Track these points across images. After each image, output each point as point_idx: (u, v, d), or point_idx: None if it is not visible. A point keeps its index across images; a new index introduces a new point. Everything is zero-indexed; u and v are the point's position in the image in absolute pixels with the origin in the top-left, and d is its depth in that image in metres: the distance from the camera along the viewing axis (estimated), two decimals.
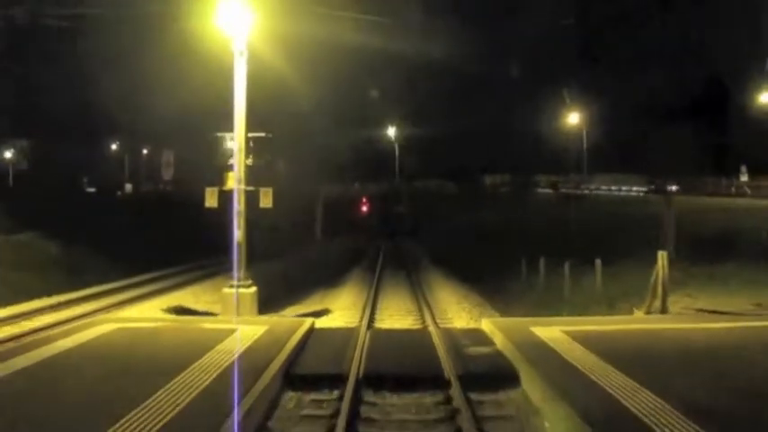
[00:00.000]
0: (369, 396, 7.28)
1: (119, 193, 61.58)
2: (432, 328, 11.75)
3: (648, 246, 14.23)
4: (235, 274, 12.87)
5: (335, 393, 7.27)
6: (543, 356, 7.96)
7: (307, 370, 8.02)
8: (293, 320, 11.22)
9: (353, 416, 6.53)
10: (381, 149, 67.96)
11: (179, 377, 7.09)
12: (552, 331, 9.32)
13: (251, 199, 13.26)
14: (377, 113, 59.26)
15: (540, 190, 52.18)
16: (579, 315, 12.84)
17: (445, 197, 60.62)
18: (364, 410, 6.85)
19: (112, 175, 65.07)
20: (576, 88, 48.63)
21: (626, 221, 24.84)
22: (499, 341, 9.23)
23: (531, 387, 7.31)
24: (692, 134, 36.82)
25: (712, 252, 17.34)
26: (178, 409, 6.04)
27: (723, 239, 19.11)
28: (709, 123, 41.12)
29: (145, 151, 71.04)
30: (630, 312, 12.29)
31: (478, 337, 9.88)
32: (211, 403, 6.20)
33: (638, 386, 6.55)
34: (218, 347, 8.53)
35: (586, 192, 45.13)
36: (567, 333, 9.20)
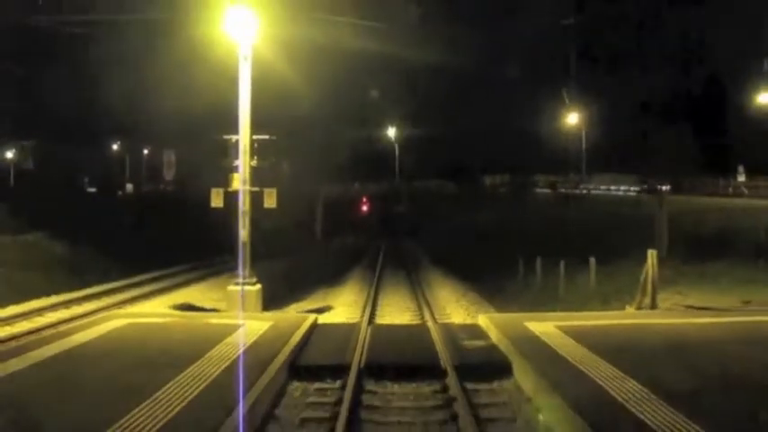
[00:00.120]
0: (370, 385, 7.70)
1: (119, 193, 61.90)
2: (430, 324, 12.18)
3: (643, 245, 14.59)
4: (240, 272, 13.30)
5: (339, 383, 7.68)
6: (536, 349, 8.37)
7: (311, 362, 8.44)
8: (297, 316, 11.65)
9: (356, 403, 6.95)
10: (381, 149, 68.39)
11: (190, 369, 7.48)
12: (545, 326, 9.73)
13: (254, 199, 13.69)
14: (377, 114, 59.67)
15: (538, 190, 52.52)
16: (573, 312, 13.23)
17: (445, 197, 60.96)
18: (366, 398, 7.27)
19: (113, 176, 65.45)
20: (576, 88, 49.05)
21: (622, 221, 25.20)
22: (494, 335, 9.65)
23: (524, 377, 7.73)
24: (690, 134, 37.20)
25: (706, 251, 17.76)
26: (191, 397, 6.43)
27: (718, 239, 19.50)
28: (707, 124, 41.49)
29: (145, 151, 71.36)
30: (623, 309, 12.73)
31: (475, 331, 10.30)
32: (221, 392, 6.57)
33: (623, 375, 6.96)
34: (226, 341, 8.94)
35: (584, 192, 45.46)
36: (560, 328, 9.61)
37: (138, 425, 5.54)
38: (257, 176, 13.89)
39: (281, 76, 19.83)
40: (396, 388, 7.71)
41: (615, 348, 8.21)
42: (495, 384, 7.79)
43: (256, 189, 13.64)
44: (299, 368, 8.18)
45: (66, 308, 15.39)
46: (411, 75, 49.60)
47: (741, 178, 40.86)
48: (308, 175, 34.27)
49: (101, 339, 9.30)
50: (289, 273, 21.36)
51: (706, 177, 41.59)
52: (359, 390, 7.41)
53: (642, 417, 5.71)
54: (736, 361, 7.69)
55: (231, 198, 13.78)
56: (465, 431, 6.08)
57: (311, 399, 7.30)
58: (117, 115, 48.50)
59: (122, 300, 16.96)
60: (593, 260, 15.84)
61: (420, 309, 15.89)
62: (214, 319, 11.22)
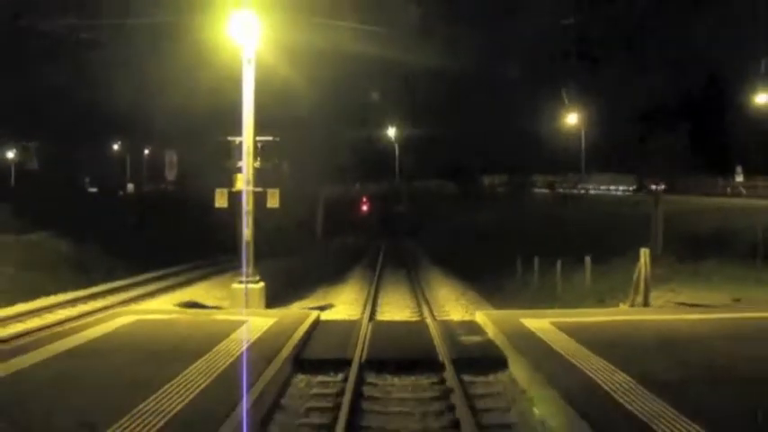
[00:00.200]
0: (371, 378, 8.04)
1: (120, 192, 62.21)
2: (429, 321, 12.51)
3: (639, 244, 14.96)
4: (243, 270, 13.65)
5: (341, 376, 8.01)
6: (530, 344, 8.70)
7: (314, 355, 8.78)
8: (300, 313, 11.98)
9: (358, 394, 7.28)
10: (381, 149, 68.69)
11: (198, 362, 7.80)
12: (541, 322, 10.05)
13: (257, 199, 14.02)
14: (377, 114, 59.94)
15: (537, 190, 52.86)
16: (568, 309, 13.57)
17: (444, 197, 61.29)
18: (367, 390, 7.61)
19: (114, 175, 65.76)
20: (575, 89, 49.35)
21: (619, 221, 25.56)
22: (491, 331, 9.98)
23: (518, 370, 8.06)
24: (688, 134, 37.49)
25: (701, 250, 18.09)
26: (200, 388, 6.75)
27: (713, 238, 19.83)
28: (705, 124, 41.80)
29: (146, 151, 71.66)
30: (617, 306, 13.07)
31: (472, 327, 10.63)
32: (229, 384, 6.89)
33: (613, 368, 7.29)
34: (232, 336, 9.27)
35: (582, 192, 45.79)
36: (555, 324, 9.94)
37: (153, 412, 5.87)
38: (260, 177, 14.23)
39: (282, 79, 20.17)
40: (395, 380, 8.05)
41: (607, 343, 8.53)
42: (491, 377, 8.12)
43: (259, 189, 13.99)
44: (303, 362, 8.51)
45: (74, 306, 15.76)
46: (411, 76, 49.91)
47: (739, 178, 41.16)
48: (308, 176, 34.59)
49: (111, 335, 9.63)
50: (290, 272, 21.70)
51: (705, 177, 41.89)
52: (360, 382, 7.74)
53: (630, 407, 6.03)
54: (722, 355, 8.02)
55: (233, 198, 14.12)
56: (462, 420, 6.39)
57: (315, 390, 7.63)
58: (119, 116, 48.92)
59: (128, 298, 17.34)
60: (588, 259, 16.19)
61: (419, 306, 16.24)
62: (220, 316, 11.55)
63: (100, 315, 11.94)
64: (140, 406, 6.05)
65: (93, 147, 61.73)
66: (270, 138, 14.64)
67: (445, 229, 45.03)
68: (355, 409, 6.75)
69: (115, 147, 71.48)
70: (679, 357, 7.89)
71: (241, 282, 13.59)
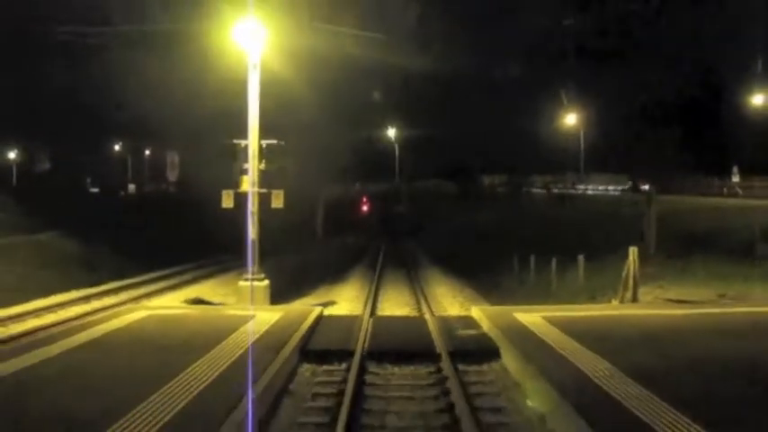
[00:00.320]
0: (372, 367, 8.60)
1: (122, 193, 62.72)
2: (427, 316, 13.07)
3: (631, 243, 15.51)
4: (249, 268, 14.20)
5: (344, 365, 8.57)
6: (522, 336, 9.26)
7: (319, 347, 9.34)
8: (305, 308, 12.55)
9: (360, 382, 7.84)
10: (381, 150, 69.18)
11: (211, 353, 8.35)
12: (533, 317, 10.61)
13: (261, 200, 14.57)
14: (377, 115, 60.39)
15: (535, 190, 53.41)
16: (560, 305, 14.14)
17: (444, 197, 61.81)
18: (369, 378, 8.17)
19: (115, 176, 66.30)
20: (574, 89, 49.82)
21: (614, 220, 26.09)
22: (486, 325, 10.54)
23: (510, 360, 8.62)
24: (685, 135, 37.99)
25: (693, 249, 18.64)
26: (215, 375, 7.30)
27: (706, 237, 20.38)
28: (702, 124, 42.28)
29: (147, 152, 72.17)
30: (608, 302, 13.64)
31: (468, 322, 11.19)
32: (241, 371, 7.40)
33: (599, 358, 7.85)
34: (241, 329, 9.82)
35: (578, 192, 46.34)
36: (546, 318, 10.50)
37: (171, 397, 6.41)
38: (264, 179, 14.77)
39: (284, 82, 20.71)
40: (395, 369, 8.61)
41: (594, 336, 9.07)
42: (485, 366, 8.68)
43: (264, 191, 14.54)
44: (309, 353, 9.07)
45: (87, 302, 16.34)
46: (411, 77, 50.38)
47: (735, 179, 41.64)
48: (309, 177, 35.13)
49: (126, 329, 10.19)
50: (293, 270, 22.24)
51: (702, 177, 42.36)
52: (363, 371, 8.30)
53: (606, 388, 6.61)
54: (701, 347, 8.58)
55: (237, 199, 14.65)
56: (456, 403, 6.95)
57: (320, 378, 8.19)
58: (121, 117, 49.51)
59: (137, 295, 17.92)
60: (581, 258, 16.75)
61: (418, 303, 16.81)
62: (228, 311, 12.13)
63: (113, 311, 12.48)
64: (164, 388, 6.63)
65: (94, 147, 62.33)
66: (274, 141, 15.18)
67: (445, 229, 45.57)
68: (358, 394, 7.32)
69: (116, 147, 72.00)
70: (660, 349, 8.43)
71: (247, 279, 14.13)
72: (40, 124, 50.49)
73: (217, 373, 7.35)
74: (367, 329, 10.55)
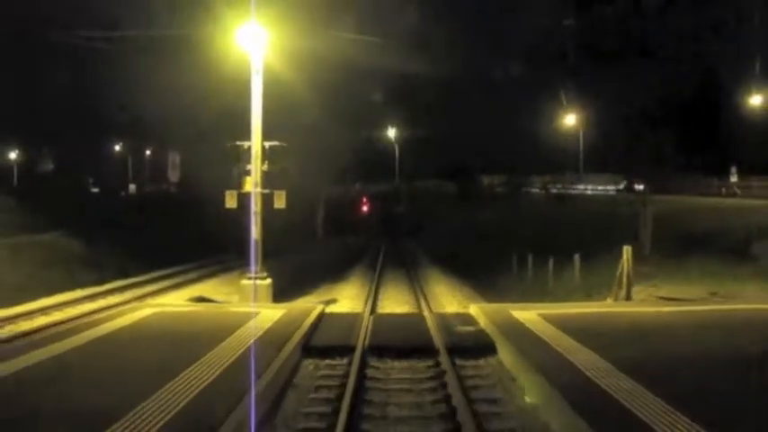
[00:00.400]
0: (373, 361, 8.94)
1: (122, 193, 63.02)
2: (426, 313, 13.41)
3: (628, 243, 15.82)
4: (252, 267, 14.53)
5: (346, 360, 8.90)
6: (518, 332, 9.59)
7: (321, 343, 9.68)
8: (307, 306, 12.90)
9: (361, 375, 8.18)
10: (381, 150, 69.55)
11: (218, 347, 8.67)
12: (529, 314, 10.94)
13: (264, 201, 14.89)
14: (377, 115, 60.78)
15: (533, 190, 53.75)
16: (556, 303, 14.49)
17: (444, 197, 62.14)
18: (370, 372, 8.50)
19: (116, 176, 66.62)
20: (574, 90, 50.08)
21: (612, 220, 26.41)
22: (483, 322, 10.88)
23: (506, 355, 8.96)
24: (685, 135, 38.25)
25: (689, 248, 18.97)
26: (223, 368, 7.63)
27: (702, 237, 20.70)
28: (701, 124, 42.57)
29: (147, 152, 72.48)
30: (603, 300, 13.98)
31: (466, 319, 11.53)
32: (247, 365, 7.71)
33: (588, 350, 8.20)
34: (246, 325, 10.15)
35: (576, 192, 46.66)
36: (541, 315, 10.83)
37: (184, 386, 6.75)
38: (267, 180, 15.09)
39: (285, 83, 21.04)
40: (395, 364, 8.95)
41: (586, 331, 9.40)
42: (481, 361, 9.02)
43: (267, 191, 14.87)
44: (311, 348, 9.41)
45: (92, 301, 16.69)
46: (411, 77, 50.70)
47: (734, 179, 41.92)
48: (310, 177, 35.46)
49: (133, 325, 10.52)
50: (295, 269, 22.58)
51: (701, 178, 42.63)
52: (364, 365, 8.63)
53: (596, 381, 6.94)
54: (686, 341, 8.93)
55: (238, 199, 14.98)
56: (453, 394, 7.29)
57: (323, 372, 8.53)
58: (123, 117, 49.90)
59: (142, 294, 18.26)
60: (577, 257, 17.08)
61: (418, 301, 17.17)
62: (232, 308, 12.48)
63: (119, 309, 12.82)
64: (173, 381, 6.95)
65: (95, 148, 62.73)
66: (277, 142, 15.50)
67: (445, 229, 45.90)
68: (360, 387, 7.65)
69: (117, 148, 72.33)
70: (649, 344, 8.77)
71: (250, 278, 14.46)
72: (43, 125, 50.91)
73: (224, 367, 7.66)
74: (368, 326, 10.88)
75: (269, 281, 14.64)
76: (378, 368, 8.75)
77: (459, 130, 58.36)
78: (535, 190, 53.64)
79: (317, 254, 32.58)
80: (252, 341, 8.94)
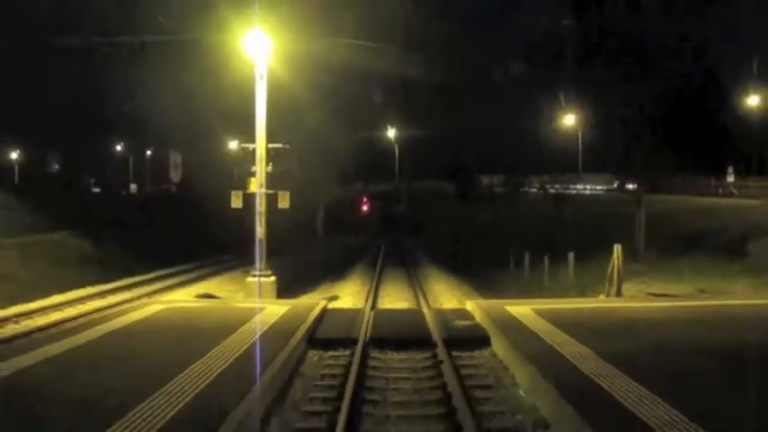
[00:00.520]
0: (374, 353, 9.46)
1: (123, 193, 63.49)
2: (425, 309, 13.93)
3: (623, 241, 16.29)
4: (257, 265, 15.07)
5: (348, 351, 9.41)
6: (511, 326, 10.09)
7: (325, 336, 10.19)
8: (311, 301, 13.41)
9: (363, 365, 8.70)
10: (382, 150, 70.09)
11: (227, 340, 9.17)
12: (523, 309, 11.44)
13: (268, 201, 15.43)
14: (377, 116, 61.24)
15: (531, 190, 54.23)
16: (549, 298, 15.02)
17: (444, 197, 62.64)
18: (371, 362, 9.02)
19: (117, 176, 67.14)
20: (573, 90, 50.49)
21: (607, 219, 26.93)
22: (478, 316, 11.39)
23: (499, 347, 9.48)
24: (683, 135, 38.69)
25: (682, 247, 19.51)
26: (233, 359, 8.13)
27: (696, 236, 21.24)
28: (700, 125, 43.00)
29: (148, 152, 72.99)
30: (596, 297, 14.50)
31: (462, 314, 12.04)
32: (255, 356, 8.27)
33: (577, 342, 8.68)
34: (253, 320, 10.67)
35: (573, 192, 47.14)
36: (535, 310, 11.33)
37: (199, 374, 7.26)
38: (271, 181, 15.63)
39: (287, 87, 21.58)
40: (395, 355, 9.48)
41: (577, 325, 9.87)
42: (476, 352, 9.53)
43: (271, 192, 15.41)
44: (315, 341, 9.93)
45: (102, 298, 17.26)
46: (411, 78, 51.17)
47: (730, 179, 42.38)
48: (312, 178, 36.00)
49: (146, 320, 11.03)
50: (297, 268, 23.11)
51: (699, 178, 43.06)
52: (365, 356, 9.16)
53: (581, 368, 7.45)
54: (671, 334, 9.43)
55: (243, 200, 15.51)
56: (449, 382, 7.81)
57: (327, 362, 9.06)
58: (124, 118, 50.45)
59: (150, 291, 18.83)
60: (571, 255, 17.62)
61: (417, 298, 17.70)
62: (239, 304, 13.00)
63: (131, 304, 13.35)
64: (188, 369, 7.46)
65: (96, 148, 63.23)
66: (280, 145, 16.04)
67: (444, 228, 46.42)
68: (362, 375, 8.17)
69: (118, 148, 72.83)
70: (635, 336, 9.27)
71: (254, 275, 14.99)
72: (44, 125, 51.38)
73: (235, 357, 8.17)
74: (369, 321, 11.40)
75: (273, 278, 15.17)
76: (379, 359, 9.27)
77: (458, 131, 58.91)
78: (533, 190, 54.09)
79: (319, 253, 33.13)
80: (259, 334, 9.46)
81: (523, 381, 7.88)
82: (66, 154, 57.95)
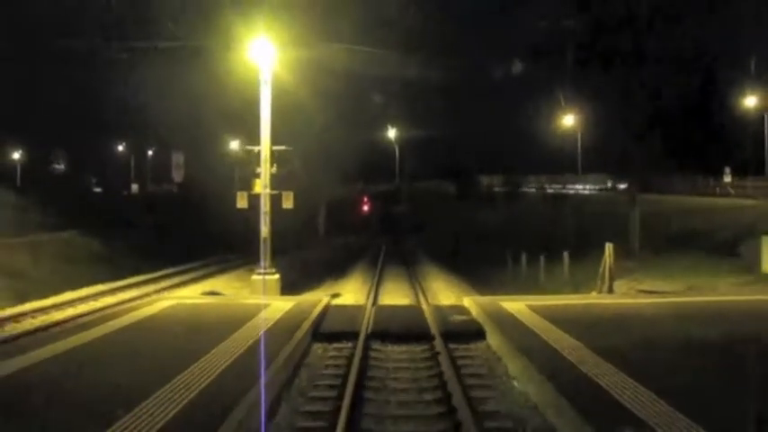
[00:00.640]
0: (375, 345, 10.00)
1: (125, 193, 64.01)
2: (424, 305, 14.48)
3: (617, 240, 16.78)
4: (262, 263, 15.61)
5: (351, 344, 9.95)
6: (505, 320, 10.63)
7: (328, 330, 10.73)
8: (314, 298, 13.97)
9: (365, 356, 9.24)
10: (382, 151, 70.55)
11: (235, 333, 9.69)
12: (517, 305, 11.98)
13: (273, 201, 15.95)
14: (378, 117, 61.72)
15: (530, 190, 54.73)
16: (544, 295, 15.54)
17: (444, 197, 63.12)
18: (372, 354, 9.56)
19: (119, 176, 67.69)
20: (573, 90, 50.92)
21: (604, 219, 27.41)
22: (475, 312, 11.93)
23: (493, 340, 10.01)
24: (681, 136, 39.17)
25: (677, 246, 20.03)
26: (242, 350, 8.64)
27: (692, 235, 21.75)
28: (698, 125, 43.48)
29: (150, 152, 73.51)
30: (589, 293, 15.03)
31: (460, 309, 12.59)
32: (261, 349, 8.77)
33: (567, 336, 9.21)
34: (260, 315, 11.19)
35: (571, 192, 47.61)
36: (529, 306, 11.86)
37: (211, 364, 7.79)
38: (274, 181, 16.15)
39: (290, 90, 22.10)
40: (395, 347, 10.00)
41: (568, 320, 10.39)
42: (472, 345, 10.06)
43: (276, 192, 15.94)
44: (320, 334, 10.47)
45: (113, 295, 17.81)
46: (411, 79, 51.62)
47: (727, 179, 42.83)
48: (314, 179, 36.51)
49: (157, 315, 11.57)
50: (300, 266, 23.67)
51: (699, 178, 43.52)
52: (367, 348, 9.70)
53: (570, 359, 7.99)
54: (657, 328, 9.97)
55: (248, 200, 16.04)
56: (446, 372, 8.35)
57: (331, 353, 9.60)
58: (125, 119, 51.02)
59: (159, 288, 19.38)
60: (566, 254, 18.16)
61: (416, 295, 18.25)
62: (246, 300, 13.53)
63: (142, 301, 13.89)
64: (202, 358, 8.01)
65: (98, 148, 63.83)
66: (284, 147, 16.57)
67: (444, 228, 46.90)
68: (364, 365, 8.71)
69: (120, 148, 73.36)
70: (622, 330, 9.80)
71: (259, 273, 15.53)
72: (46, 125, 51.98)
73: (243, 349, 8.69)
74: (370, 316, 11.94)
75: (277, 276, 15.71)
76: (379, 350, 9.81)
77: (458, 131, 59.39)
78: (532, 190, 54.58)
79: (320, 252, 33.66)
80: (265, 328, 9.99)
81: (516, 370, 8.41)
82: (69, 154, 58.47)
